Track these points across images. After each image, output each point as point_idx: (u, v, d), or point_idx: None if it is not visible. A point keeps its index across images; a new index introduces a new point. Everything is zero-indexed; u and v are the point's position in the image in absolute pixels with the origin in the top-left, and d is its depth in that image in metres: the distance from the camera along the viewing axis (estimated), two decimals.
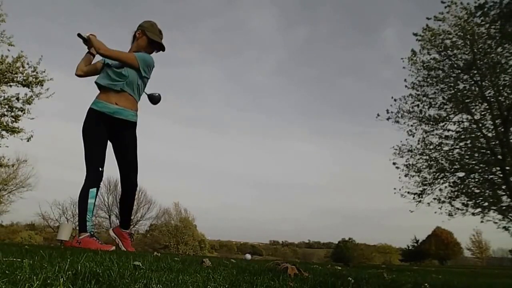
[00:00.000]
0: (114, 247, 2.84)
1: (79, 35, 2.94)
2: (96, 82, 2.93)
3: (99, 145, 2.84)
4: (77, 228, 2.77)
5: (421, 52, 11.49)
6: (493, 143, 10.72)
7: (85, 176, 2.77)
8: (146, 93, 3.09)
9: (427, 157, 11.70)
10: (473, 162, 11.09)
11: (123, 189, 3.07)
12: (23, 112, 10.29)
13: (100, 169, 2.81)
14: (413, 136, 11.94)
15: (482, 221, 11.16)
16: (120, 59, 2.83)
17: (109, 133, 2.88)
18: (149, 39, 3.00)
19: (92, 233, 2.73)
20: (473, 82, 11.04)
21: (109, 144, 2.97)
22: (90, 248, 2.57)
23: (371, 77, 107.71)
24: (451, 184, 11.50)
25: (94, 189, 2.74)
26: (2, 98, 10.11)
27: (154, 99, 3.11)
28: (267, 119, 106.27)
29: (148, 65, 2.95)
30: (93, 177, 2.78)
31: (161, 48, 3.08)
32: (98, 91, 2.95)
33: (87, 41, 2.94)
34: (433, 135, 11.77)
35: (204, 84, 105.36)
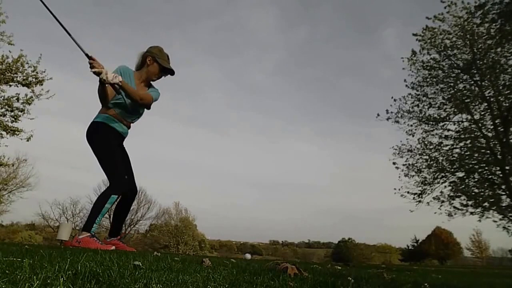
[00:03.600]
0: (114, 247, 2.85)
1: (104, 81, 2.62)
2: (114, 105, 2.93)
3: (120, 156, 2.98)
4: (78, 227, 2.78)
5: (421, 52, 11.51)
6: (493, 143, 10.73)
7: (110, 182, 2.82)
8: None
9: (427, 157, 11.71)
10: (473, 162, 11.10)
11: (127, 197, 3.14)
12: (23, 112, 10.29)
13: (126, 177, 2.91)
14: (413, 136, 11.97)
15: (479, 220, 11.17)
16: (147, 105, 3.00)
17: None
18: (161, 66, 3.08)
19: (93, 233, 2.74)
20: (473, 82, 11.05)
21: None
22: (89, 247, 2.58)
23: (371, 77, 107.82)
24: (451, 184, 11.51)
25: (116, 196, 2.79)
26: (2, 98, 10.12)
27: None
28: (267, 119, 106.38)
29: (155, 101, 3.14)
30: (119, 184, 2.83)
31: (171, 73, 3.18)
32: (110, 106, 2.94)
33: (118, 89, 2.72)
34: (433, 135, 11.79)
35: (204, 84, 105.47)
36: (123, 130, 3.03)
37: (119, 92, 2.75)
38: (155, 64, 3.07)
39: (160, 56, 3.08)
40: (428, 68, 11.50)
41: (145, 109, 3.14)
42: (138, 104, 2.92)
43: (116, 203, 2.90)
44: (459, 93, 11.21)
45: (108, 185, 2.85)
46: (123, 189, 2.87)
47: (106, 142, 2.90)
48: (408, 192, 11.84)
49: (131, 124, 3.15)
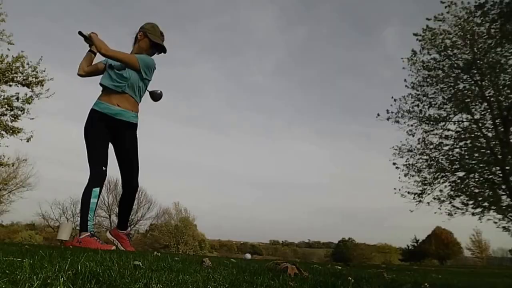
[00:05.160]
0: (114, 247, 2.84)
1: (80, 33, 2.94)
2: (100, 83, 2.94)
3: (102, 145, 2.85)
4: (78, 227, 2.79)
5: (421, 52, 11.49)
6: (493, 143, 10.72)
7: (89, 175, 2.77)
8: (148, 90, 3.09)
9: (427, 157, 11.69)
10: (473, 162, 11.08)
11: (125, 190, 3.06)
12: (23, 111, 10.29)
13: (104, 168, 2.81)
14: (413, 136, 11.94)
15: (480, 221, 11.17)
16: (121, 59, 2.83)
17: (110, 134, 2.89)
18: (151, 41, 3.00)
19: (92, 232, 2.73)
20: (473, 82, 11.04)
21: (110, 145, 2.98)
22: (90, 247, 2.58)
23: (371, 77, 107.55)
24: (451, 183, 11.50)
25: (97, 189, 2.73)
26: (2, 97, 10.12)
27: (156, 96, 3.10)
28: (267, 119, 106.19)
29: (148, 66, 2.95)
30: (97, 176, 2.76)
31: (162, 50, 3.08)
32: (100, 92, 2.96)
33: (88, 39, 2.95)
34: (433, 135, 11.77)
35: (204, 84, 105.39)
36: (110, 111, 2.82)
37: (88, 42, 2.96)
38: (145, 39, 3.00)
39: (152, 32, 3.01)
40: (428, 68, 11.48)
41: (141, 83, 2.94)
42: (105, 56, 2.81)
43: (100, 194, 2.79)
44: (459, 93, 11.20)
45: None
46: (101, 179, 2.77)
47: (85, 130, 2.84)
48: (408, 192, 11.82)
49: (132, 100, 2.92)
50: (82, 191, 2.74)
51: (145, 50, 3.01)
